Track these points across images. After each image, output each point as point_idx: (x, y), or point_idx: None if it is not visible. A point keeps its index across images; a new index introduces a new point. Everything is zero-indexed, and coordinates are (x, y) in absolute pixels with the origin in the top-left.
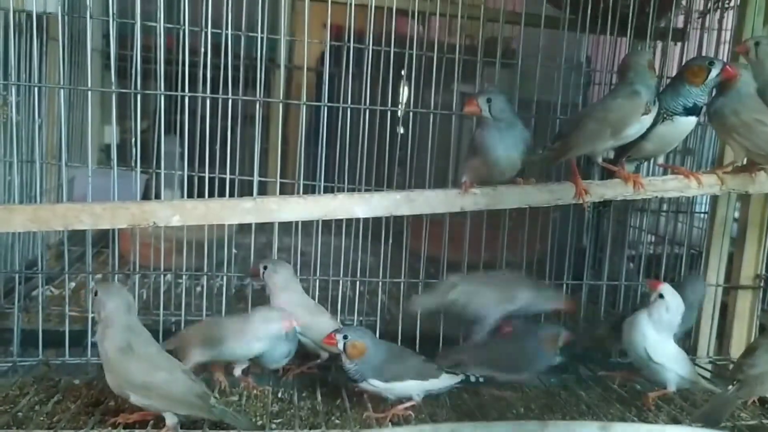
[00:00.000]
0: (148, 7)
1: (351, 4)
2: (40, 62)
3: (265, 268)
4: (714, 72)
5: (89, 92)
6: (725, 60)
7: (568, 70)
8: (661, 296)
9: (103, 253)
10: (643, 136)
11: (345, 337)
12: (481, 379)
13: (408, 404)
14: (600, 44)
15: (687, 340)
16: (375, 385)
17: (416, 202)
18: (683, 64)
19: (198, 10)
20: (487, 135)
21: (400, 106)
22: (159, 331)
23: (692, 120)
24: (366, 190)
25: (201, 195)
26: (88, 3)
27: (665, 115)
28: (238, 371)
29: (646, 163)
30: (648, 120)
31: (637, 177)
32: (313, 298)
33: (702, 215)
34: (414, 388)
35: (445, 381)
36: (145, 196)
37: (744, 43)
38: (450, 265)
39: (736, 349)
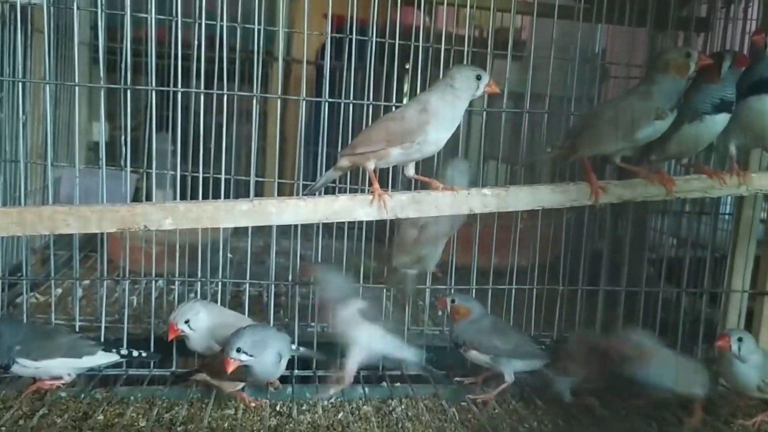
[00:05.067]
0: None
1: None
2: (24, 56)
3: None
4: (726, 64)
5: (76, 88)
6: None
7: (582, 63)
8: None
9: (90, 257)
10: (669, 138)
11: None
12: (144, 354)
13: (58, 382)
14: (617, 35)
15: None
16: (25, 365)
17: (423, 204)
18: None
19: (191, 1)
20: None
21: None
22: (150, 340)
23: (723, 117)
24: (369, 191)
25: (194, 196)
26: None
27: (693, 116)
28: None
29: (667, 162)
30: (662, 125)
31: (663, 176)
32: (313, 302)
33: (726, 216)
34: (66, 365)
35: (102, 358)
36: (136, 198)
37: (762, 32)
38: (458, 268)
39: None
